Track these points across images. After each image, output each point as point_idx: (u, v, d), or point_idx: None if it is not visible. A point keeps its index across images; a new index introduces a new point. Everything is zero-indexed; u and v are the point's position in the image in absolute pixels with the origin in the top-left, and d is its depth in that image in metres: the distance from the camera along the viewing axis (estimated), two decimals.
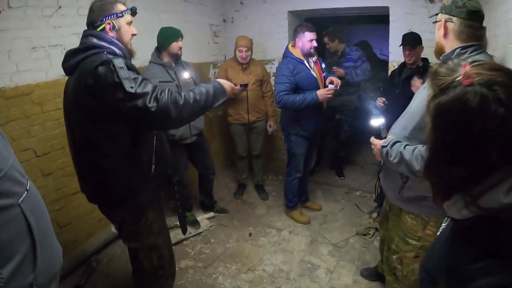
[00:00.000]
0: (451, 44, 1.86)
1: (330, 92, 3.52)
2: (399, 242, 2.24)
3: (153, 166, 2.14)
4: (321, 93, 3.51)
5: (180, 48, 3.65)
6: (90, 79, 1.85)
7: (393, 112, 2.62)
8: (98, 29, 2.04)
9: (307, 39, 3.61)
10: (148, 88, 1.87)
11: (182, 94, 1.99)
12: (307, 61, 3.71)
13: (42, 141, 3.19)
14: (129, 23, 2.14)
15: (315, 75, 3.71)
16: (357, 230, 3.94)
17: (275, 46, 5.19)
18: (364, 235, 3.85)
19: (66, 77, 2.55)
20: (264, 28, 5.24)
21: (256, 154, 4.85)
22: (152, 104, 1.84)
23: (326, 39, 4.97)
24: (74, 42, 3.30)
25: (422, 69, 3.58)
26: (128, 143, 2.03)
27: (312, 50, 3.66)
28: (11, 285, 1.04)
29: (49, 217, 1.35)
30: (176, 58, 3.70)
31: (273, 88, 3.86)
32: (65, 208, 3.38)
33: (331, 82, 3.63)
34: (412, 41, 3.57)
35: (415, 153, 1.79)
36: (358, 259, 3.49)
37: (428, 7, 4.04)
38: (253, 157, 4.90)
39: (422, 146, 1.79)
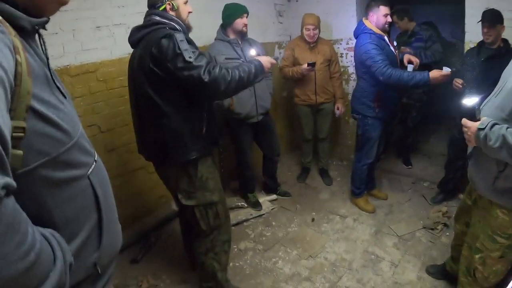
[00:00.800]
0: None
1: (446, 76, 3.17)
2: (485, 240, 2.04)
3: (204, 127, 2.37)
4: (435, 75, 3.16)
5: (245, 24, 3.57)
6: (155, 49, 2.13)
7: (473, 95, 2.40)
8: (160, 9, 2.31)
9: (382, 13, 3.42)
10: (203, 61, 2.14)
11: (230, 71, 2.22)
12: (387, 38, 3.52)
13: (106, 117, 3.27)
14: (186, 2, 2.39)
15: (394, 51, 3.53)
16: (424, 224, 3.70)
17: (343, 25, 4.95)
18: (432, 229, 3.61)
19: (129, 55, 2.61)
20: (330, 6, 5.00)
21: (323, 137, 4.70)
22: (205, 76, 2.11)
23: (394, 18, 4.65)
24: (138, 21, 3.31)
25: (504, 50, 3.31)
26: (185, 106, 2.30)
27: (386, 25, 3.49)
28: (73, 265, 0.95)
29: (113, 198, 1.29)
30: (242, 35, 3.63)
31: (366, 64, 3.48)
32: (127, 183, 3.45)
33: (410, 62, 3.43)
34: (491, 18, 3.28)
35: None
36: (425, 255, 3.28)
37: None
38: (319, 140, 4.75)
39: None
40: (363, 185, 4.02)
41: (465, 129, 1.94)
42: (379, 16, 3.44)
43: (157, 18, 2.27)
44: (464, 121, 1.94)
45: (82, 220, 1.04)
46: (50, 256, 0.82)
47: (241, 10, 3.56)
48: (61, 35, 2.85)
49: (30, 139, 0.84)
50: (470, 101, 1.98)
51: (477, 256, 2.12)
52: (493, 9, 3.36)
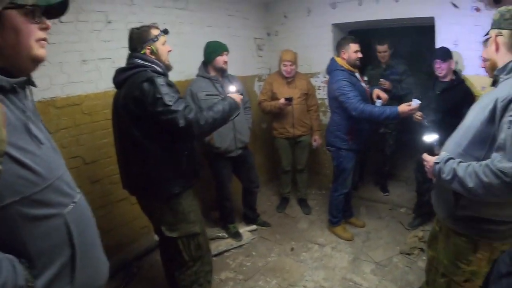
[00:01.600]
0: (504, 58, 1.82)
1: (414, 109, 3.31)
2: (448, 265, 2.14)
3: (186, 163, 2.50)
4: (403, 109, 3.31)
5: (225, 62, 3.72)
6: (137, 91, 2.26)
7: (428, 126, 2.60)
8: (141, 52, 2.45)
9: (353, 50, 3.62)
10: (181, 106, 2.26)
11: (204, 114, 2.35)
12: (358, 74, 3.71)
13: (90, 149, 3.36)
14: (164, 43, 2.51)
15: (364, 87, 3.71)
16: (401, 249, 3.83)
17: (320, 59, 5.16)
18: (408, 254, 3.73)
19: (115, 89, 2.74)
20: (308, 41, 5.24)
21: (301, 168, 4.83)
22: (181, 121, 2.23)
23: (378, 47, 4.85)
24: (123, 55, 3.45)
25: (456, 81, 3.68)
26: (167, 143, 2.41)
27: (357, 61, 3.67)
28: None
29: (98, 232, 1.39)
30: (222, 71, 3.77)
31: (339, 100, 3.63)
32: (110, 214, 3.52)
33: (378, 97, 3.60)
34: (442, 54, 3.66)
35: (469, 170, 1.73)
36: (401, 280, 3.38)
37: (474, 16, 3.90)
38: (297, 171, 4.87)
39: (476, 163, 1.73)
40: (339, 214, 4.13)
41: (425, 163, 2.11)
42: (350, 53, 3.63)
43: (139, 61, 2.40)
44: (425, 155, 2.11)
45: (55, 255, 1.14)
46: None
47: (221, 48, 3.70)
48: (49, 67, 2.95)
49: (6, 179, 1.00)
50: (429, 137, 2.17)
51: (442, 280, 2.23)
52: (443, 46, 3.77)
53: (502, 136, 1.61)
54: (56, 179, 1.16)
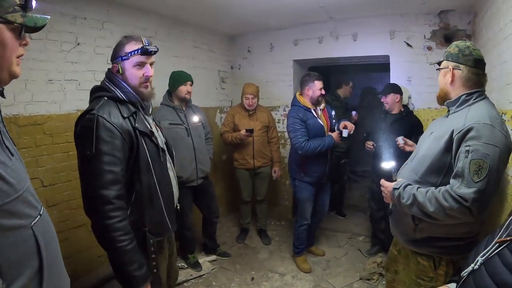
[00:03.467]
0: (457, 91, 1.97)
1: (339, 135, 3.72)
2: (411, 284, 2.21)
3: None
4: (336, 136, 3.70)
5: (189, 92, 3.77)
6: (77, 124, 1.91)
7: (385, 153, 2.86)
8: (112, 69, 2.06)
9: (317, 87, 3.71)
10: (103, 181, 1.79)
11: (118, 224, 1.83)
12: (314, 109, 3.78)
13: (49, 171, 3.26)
14: (139, 64, 2.01)
15: (321, 123, 3.79)
16: (360, 275, 3.91)
17: (281, 93, 5.39)
18: (368, 280, 3.83)
19: (78, 112, 2.61)
20: (270, 75, 5.45)
21: (261, 199, 4.88)
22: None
23: (344, 86, 5.21)
24: (89, 79, 3.49)
25: (405, 113, 3.94)
26: None
27: (320, 98, 3.77)
28: None
29: (59, 247, 1.38)
30: (184, 101, 3.82)
31: (289, 136, 3.86)
32: (67, 240, 3.38)
33: (345, 127, 3.72)
34: (386, 89, 3.97)
35: (428, 195, 1.85)
36: None
37: (426, 55, 4.24)
38: (257, 202, 4.91)
39: (435, 189, 1.85)
40: (302, 245, 4.15)
41: (382, 188, 2.22)
42: (315, 90, 3.72)
43: (106, 81, 2.02)
44: (382, 181, 2.23)
45: (23, 267, 1.13)
46: None
47: (184, 78, 3.76)
48: (13, 84, 2.78)
49: None
50: (387, 164, 2.33)
51: None
52: (390, 82, 4.08)
53: (460, 164, 1.75)
54: (24, 191, 1.16)
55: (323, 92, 3.76)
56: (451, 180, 1.80)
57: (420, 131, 3.45)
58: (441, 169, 1.92)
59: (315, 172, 3.84)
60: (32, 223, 1.17)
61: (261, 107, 4.79)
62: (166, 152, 2.24)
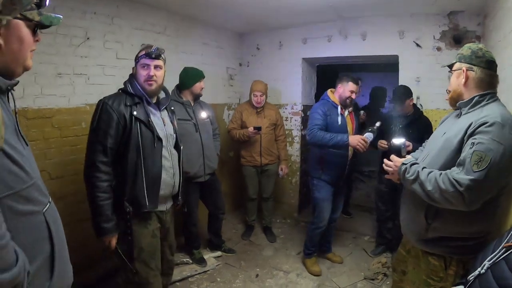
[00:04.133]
0: (470, 92, 2.00)
1: (363, 142, 3.34)
2: (421, 284, 2.22)
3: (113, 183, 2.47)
4: (354, 138, 3.39)
5: (202, 88, 3.83)
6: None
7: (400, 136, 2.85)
8: (132, 70, 2.60)
9: (349, 89, 3.64)
10: (93, 153, 2.35)
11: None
12: (341, 108, 3.71)
13: (57, 164, 3.28)
14: (144, 66, 2.48)
15: (345, 122, 3.70)
16: (365, 275, 3.92)
17: (289, 91, 5.40)
18: (372, 279, 3.83)
19: (87, 106, 2.74)
20: (278, 73, 5.44)
21: (267, 196, 4.88)
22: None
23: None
24: (98, 73, 3.50)
25: (417, 115, 3.91)
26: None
27: (348, 100, 3.68)
28: None
29: (65, 239, 1.44)
30: (197, 97, 3.87)
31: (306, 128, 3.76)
32: (73, 233, 3.34)
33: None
34: (400, 96, 3.88)
35: (430, 176, 1.90)
36: None
37: (435, 55, 4.21)
38: (263, 199, 4.92)
39: (437, 171, 1.91)
40: (313, 248, 4.06)
41: (390, 164, 2.28)
42: (346, 90, 3.64)
43: (128, 79, 2.57)
44: (392, 156, 2.29)
45: (37, 250, 1.20)
46: (13, 254, 1.02)
47: (200, 75, 3.82)
48: (23, 77, 2.79)
49: (0, 174, 1.05)
50: (398, 140, 2.38)
51: None
52: (400, 87, 3.99)
53: (463, 154, 1.82)
54: (37, 179, 1.22)
55: (353, 96, 3.67)
56: (453, 167, 1.86)
57: (431, 132, 3.44)
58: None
59: (334, 170, 3.78)
60: (44, 210, 1.24)
61: (269, 105, 4.79)
62: (167, 142, 2.61)
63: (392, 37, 4.48)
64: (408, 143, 3.26)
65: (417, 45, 4.31)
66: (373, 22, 4.57)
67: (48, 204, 1.29)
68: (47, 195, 1.32)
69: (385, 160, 2.32)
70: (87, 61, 3.43)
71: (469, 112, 1.99)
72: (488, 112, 1.86)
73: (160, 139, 2.50)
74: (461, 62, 2.02)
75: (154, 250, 2.59)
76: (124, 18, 3.75)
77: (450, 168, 1.93)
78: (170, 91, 3.75)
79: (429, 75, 4.23)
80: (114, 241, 2.39)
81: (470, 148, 1.79)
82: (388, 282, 3.75)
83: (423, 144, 2.61)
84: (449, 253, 2.05)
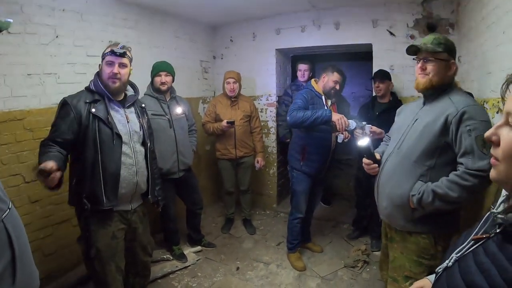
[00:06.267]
0: (446, 80, 2.13)
1: (344, 121, 3.24)
2: (412, 266, 2.25)
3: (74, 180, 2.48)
4: (337, 114, 3.29)
5: (163, 83, 3.71)
6: None
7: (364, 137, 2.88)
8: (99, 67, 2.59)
9: (333, 79, 3.56)
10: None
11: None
12: (325, 99, 3.64)
13: (31, 167, 3.15)
14: (109, 63, 2.50)
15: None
16: (345, 263, 3.96)
17: (263, 82, 5.38)
18: (353, 267, 3.87)
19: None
20: (252, 65, 5.42)
21: (244, 189, 4.88)
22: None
23: (300, 65, 5.04)
24: (69, 71, 3.42)
25: (394, 103, 3.96)
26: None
27: (332, 91, 3.59)
28: None
29: (28, 243, 1.39)
30: (160, 92, 3.76)
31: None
32: (51, 236, 3.35)
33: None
34: (381, 75, 3.97)
35: (446, 184, 1.97)
36: None
37: (409, 43, 4.16)
38: (241, 192, 4.92)
39: (445, 178, 2.00)
40: (296, 240, 4.04)
41: (365, 166, 2.41)
42: (330, 80, 3.57)
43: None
44: (364, 159, 2.40)
45: None
46: None
47: (157, 68, 3.74)
48: None
49: None
50: (363, 141, 2.38)
51: (407, 283, 2.28)
52: (382, 69, 4.08)
53: (466, 143, 1.92)
54: None
55: (337, 87, 3.59)
56: (462, 160, 1.95)
57: None
58: (435, 150, 2.07)
59: (315, 162, 3.73)
60: (3, 216, 1.20)
61: (243, 97, 4.77)
62: (130, 139, 2.59)
63: (366, 26, 4.50)
64: (368, 126, 3.22)
65: (391, 33, 4.34)
66: (347, 11, 4.58)
67: (8, 210, 1.24)
68: (7, 201, 1.27)
69: (365, 166, 2.42)
70: (57, 60, 3.34)
71: (437, 100, 2.14)
72: (459, 99, 2.02)
73: (119, 136, 2.50)
74: (449, 54, 2.10)
75: (113, 252, 2.57)
76: (94, 13, 3.66)
77: (431, 151, 2.06)
78: (144, 87, 3.73)
79: (403, 63, 4.26)
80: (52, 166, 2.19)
81: (469, 135, 1.90)
82: (368, 269, 3.81)
83: (384, 138, 2.76)
84: (438, 229, 2.14)
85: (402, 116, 2.45)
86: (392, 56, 4.37)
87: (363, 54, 5.16)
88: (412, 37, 4.23)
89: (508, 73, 0.94)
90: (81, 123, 2.40)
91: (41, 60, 3.21)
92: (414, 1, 4.16)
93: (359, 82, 7.58)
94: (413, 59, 2.24)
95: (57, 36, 3.31)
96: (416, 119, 2.21)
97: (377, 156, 2.42)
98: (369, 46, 4.55)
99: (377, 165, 2.37)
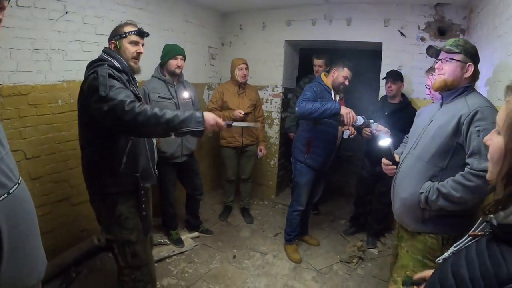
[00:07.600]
0: (462, 83, 2.12)
1: (353, 115, 3.23)
2: (415, 266, 2.26)
3: (122, 166, 2.32)
4: (346, 108, 3.28)
5: (178, 66, 3.71)
6: (84, 84, 2.24)
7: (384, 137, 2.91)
8: (109, 46, 2.46)
9: (343, 74, 3.58)
10: (120, 96, 2.08)
11: (144, 106, 2.10)
12: (334, 93, 3.68)
13: (33, 144, 3.16)
14: (133, 43, 2.44)
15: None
16: (341, 258, 4.00)
17: (270, 73, 5.36)
18: (348, 262, 3.91)
19: (64, 83, 2.73)
20: (260, 54, 5.39)
21: (245, 177, 4.89)
22: (105, 106, 2.07)
23: (315, 60, 4.84)
24: (76, 49, 3.36)
25: (404, 104, 3.97)
26: (104, 140, 2.29)
27: (342, 86, 3.63)
28: None
29: (37, 229, 1.35)
30: (174, 75, 3.76)
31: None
32: (49, 214, 3.33)
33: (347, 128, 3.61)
34: (394, 75, 3.93)
35: (451, 184, 1.98)
36: (342, 286, 3.54)
37: (419, 45, 4.23)
38: (242, 180, 4.93)
39: (451, 178, 2.00)
40: (294, 233, 4.05)
41: (384, 166, 2.47)
42: (340, 75, 3.58)
43: (104, 55, 2.37)
44: (384, 160, 2.46)
45: None
46: None
47: (175, 51, 3.70)
48: None
49: None
50: (384, 142, 2.41)
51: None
52: (395, 69, 4.06)
53: (474, 143, 1.92)
54: None
55: (346, 82, 3.60)
56: (468, 160, 1.95)
57: None
58: (448, 151, 2.07)
59: (320, 155, 3.74)
60: None
61: (250, 86, 4.76)
62: None
63: (377, 24, 4.48)
64: (375, 124, 3.34)
65: (402, 34, 4.32)
66: (359, 8, 4.55)
67: (5, 195, 1.19)
68: (6, 183, 1.22)
69: (383, 166, 2.49)
70: (65, 36, 3.29)
71: (452, 101, 2.14)
72: (475, 100, 2.02)
73: None
74: (466, 56, 2.09)
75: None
76: None
77: (444, 152, 2.07)
78: (151, 69, 3.73)
79: (412, 64, 4.27)
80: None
81: (478, 136, 1.90)
82: (363, 266, 3.85)
83: (403, 139, 2.74)
84: (447, 230, 2.15)
85: (420, 118, 2.45)
86: (402, 57, 4.36)
87: (372, 53, 5.14)
88: (422, 39, 4.21)
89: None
90: None
91: (49, 36, 3.15)
92: (427, 3, 4.13)
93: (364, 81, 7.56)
94: (435, 61, 2.23)
95: (66, 12, 3.25)
96: (432, 121, 2.22)
97: (396, 157, 2.44)
98: (379, 44, 4.53)
99: (395, 166, 2.40)
